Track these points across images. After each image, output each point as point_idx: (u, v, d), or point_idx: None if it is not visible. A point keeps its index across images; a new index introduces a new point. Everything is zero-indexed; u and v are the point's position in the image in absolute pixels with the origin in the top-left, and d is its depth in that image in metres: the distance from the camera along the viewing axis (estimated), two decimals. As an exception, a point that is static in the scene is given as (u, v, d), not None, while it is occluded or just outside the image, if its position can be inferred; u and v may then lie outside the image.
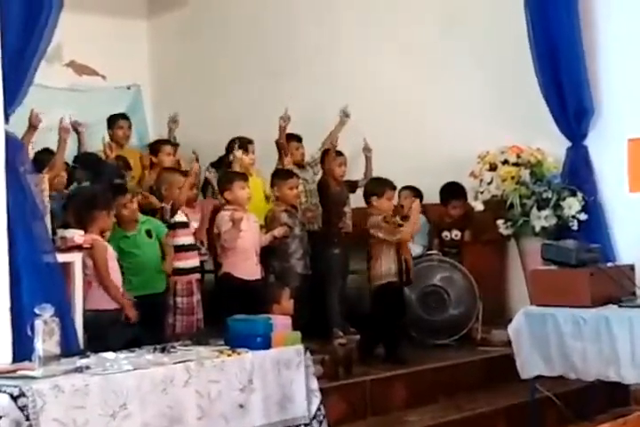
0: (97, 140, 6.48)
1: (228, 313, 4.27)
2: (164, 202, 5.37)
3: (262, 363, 3.83)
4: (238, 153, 6.01)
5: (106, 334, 4.47)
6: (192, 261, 5.35)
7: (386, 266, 5.43)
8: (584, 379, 4.90)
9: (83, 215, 4.65)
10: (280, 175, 5.99)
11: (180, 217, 5.35)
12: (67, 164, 5.69)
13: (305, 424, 3.97)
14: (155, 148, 6.40)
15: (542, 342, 4.90)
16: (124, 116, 6.79)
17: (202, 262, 5.65)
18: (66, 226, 4.63)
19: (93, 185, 5.47)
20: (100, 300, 4.61)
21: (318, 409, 4.01)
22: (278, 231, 5.54)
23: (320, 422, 4.02)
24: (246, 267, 5.43)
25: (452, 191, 6.38)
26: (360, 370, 5.06)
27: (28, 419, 3.04)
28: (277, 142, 6.40)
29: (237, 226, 5.21)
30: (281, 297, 5.08)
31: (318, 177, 6.40)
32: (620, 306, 4.87)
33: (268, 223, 5.70)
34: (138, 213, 5.16)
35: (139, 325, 4.73)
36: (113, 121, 6.65)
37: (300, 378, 3.95)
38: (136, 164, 6.31)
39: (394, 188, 5.70)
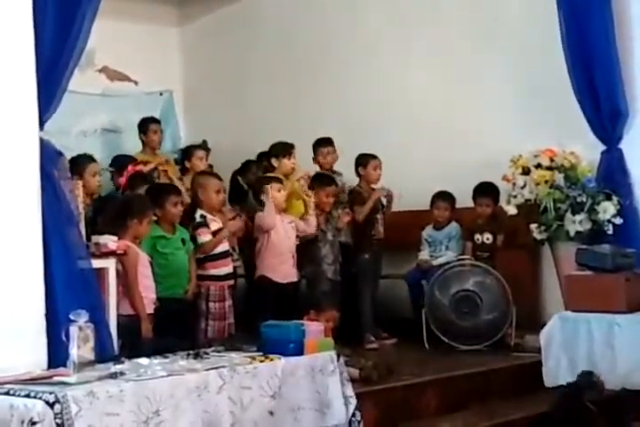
0: (129, 144, 6.54)
1: (262, 316, 4.26)
2: (199, 206, 5.38)
3: (294, 369, 3.82)
4: (283, 161, 5.95)
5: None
6: (226, 268, 5.34)
7: None
8: (610, 387, 4.83)
9: (115, 223, 4.65)
10: (319, 181, 5.98)
11: (213, 225, 5.33)
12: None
13: (341, 430, 3.96)
14: (187, 153, 6.44)
15: (572, 349, 4.85)
16: (155, 120, 6.78)
17: (234, 268, 5.65)
18: (100, 231, 4.65)
19: (130, 192, 5.49)
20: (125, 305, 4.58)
21: (353, 415, 3.99)
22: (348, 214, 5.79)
23: (355, 428, 4.01)
24: (282, 270, 5.46)
25: (480, 190, 6.29)
26: (392, 375, 5.04)
27: (62, 425, 3.05)
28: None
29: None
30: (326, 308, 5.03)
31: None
32: (656, 311, 4.83)
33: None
34: (179, 218, 5.18)
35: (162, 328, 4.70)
36: (146, 125, 6.64)
37: (335, 384, 3.94)
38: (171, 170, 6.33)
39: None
